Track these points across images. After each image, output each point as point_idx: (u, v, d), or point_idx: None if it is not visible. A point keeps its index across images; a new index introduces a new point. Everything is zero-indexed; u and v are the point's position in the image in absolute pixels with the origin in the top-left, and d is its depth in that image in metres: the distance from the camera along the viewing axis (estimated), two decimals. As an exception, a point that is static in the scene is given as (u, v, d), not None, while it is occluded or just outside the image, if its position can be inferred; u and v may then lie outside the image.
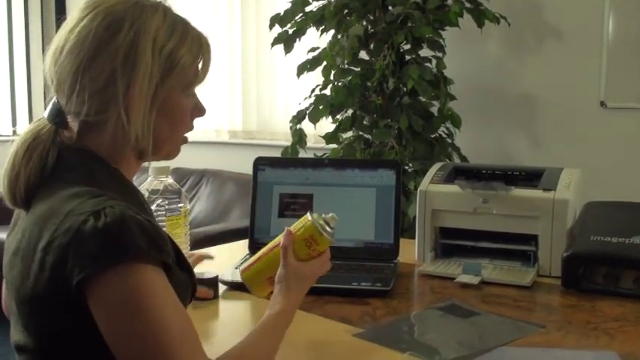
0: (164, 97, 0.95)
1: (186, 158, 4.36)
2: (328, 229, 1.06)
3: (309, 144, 3.03)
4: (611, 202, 1.64)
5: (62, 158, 0.94)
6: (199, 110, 1.03)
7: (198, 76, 1.00)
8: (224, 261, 1.57)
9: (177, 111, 0.98)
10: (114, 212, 0.83)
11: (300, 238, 1.05)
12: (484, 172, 1.72)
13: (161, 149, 0.99)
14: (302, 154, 2.97)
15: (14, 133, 4.45)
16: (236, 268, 1.38)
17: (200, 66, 1.00)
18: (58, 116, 0.95)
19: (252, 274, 1.09)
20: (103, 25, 0.92)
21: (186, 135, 1.04)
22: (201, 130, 4.18)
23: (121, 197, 0.89)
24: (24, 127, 4.37)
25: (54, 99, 0.97)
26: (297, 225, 1.07)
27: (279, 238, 1.07)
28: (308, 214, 1.07)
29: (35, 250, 0.86)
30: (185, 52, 0.96)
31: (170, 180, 1.43)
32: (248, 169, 1.73)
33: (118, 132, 0.92)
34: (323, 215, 1.07)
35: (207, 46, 1.01)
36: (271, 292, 1.05)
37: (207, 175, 3.99)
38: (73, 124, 0.95)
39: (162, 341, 0.81)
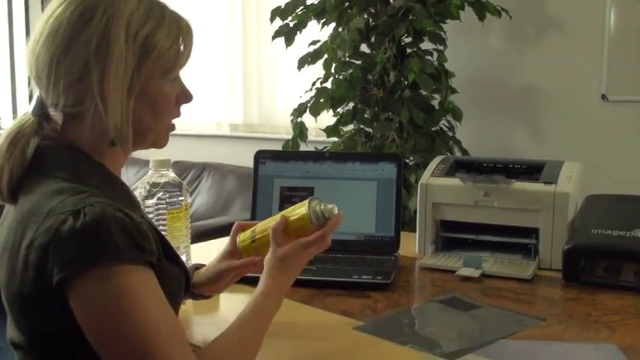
0: (143, 83, 0.93)
1: (187, 151, 4.37)
2: (323, 219, 1.06)
3: (310, 137, 3.03)
4: (612, 195, 1.64)
5: (46, 153, 0.93)
6: (186, 96, 1.01)
7: (179, 61, 0.97)
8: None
9: (160, 98, 0.96)
10: (93, 211, 0.82)
11: (293, 223, 1.06)
12: (485, 165, 1.72)
13: (146, 138, 0.98)
14: (303, 148, 2.97)
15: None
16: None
17: (180, 50, 0.97)
18: (39, 109, 0.95)
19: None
20: (75, 13, 0.90)
21: (174, 122, 1.02)
22: (201, 123, 4.18)
23: (105, 192, 0.88)
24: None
25: (38, 91, 0.96)
26: (294, 209, 1.08)
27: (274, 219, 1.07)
28: (307, 201, 1.07)
29: (19, 249, 0.86)
30: (162, 36, 0.93)
31: (171, 173, 1.43)
32: (249, 163, 1.73)
33: (96, 122, 0.91)
34: (322, 206, 1.06)
35: (188, 29, 0.98)
36: None
37: (208, 168, 3.99)
38: (56, 116, 0.94)
39: (147, 340, 0.81)
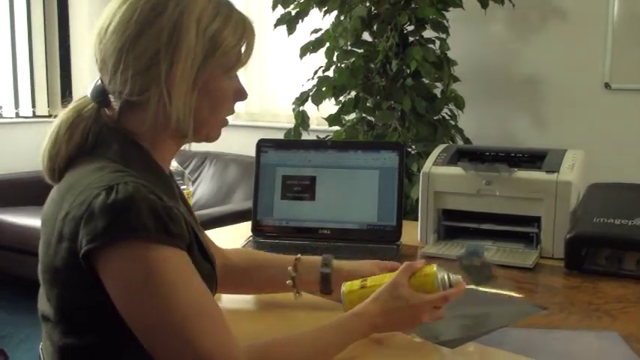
0: (206, 78, 0.94)
1: (189, 140, 4.31)
2: (447, 286, 1.02)
3: (311, 126, 3.03)
4: (614, 183, 1.64)
5: (99, 135, 0.95)
6: (240, 93, 1.02)
7: (241, 60, 0.99)
8: (228, 243, 1.58)
9: (219, 93, 0.98)
10: (126, 189, 0.84)
11: (417, 278, 1.03)
12: (487, 153, 1.72)
13: (200, 131, 0.99)
14: (305, 136, 2.97)
15: (17, 115, 4.45)
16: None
17: (243, 49, 0.99)
18: (100, 95, 0.97)
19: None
20: (148, 5, 0.92)
21: (228, 118, 1.03)
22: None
23: (146, 178, 0.89)
24: (26, 109, 4.30)
25: (98, 78, 0.98)
26: (421, 269, 1.04)
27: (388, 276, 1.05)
28: (435, 265, 1.04)
29: (56, 221, 0.88)
30: (228, 34, 0.95)
31: (174, 162, 1.43)
32: (251, 152, 1.73)
33: (160, 112, 0.93)
34: (449, 274, 1.03)
35: (251, 29, 1.00)
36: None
37: (210, 157, 3.99)
38: (115, 103, 0.96)
39: (172, 319, 0.82)
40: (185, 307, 0.82)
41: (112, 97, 0.96)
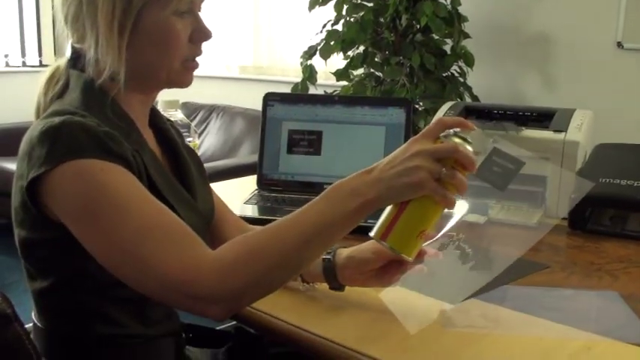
0: (138, 21, 0.90)
1: (196, 93, 4.36)
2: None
3: (319, 81, 3.01)
4: (621, 144, 1.63)
5: (70, 80, 0.95)
6: (201, 33, 0.96)
7: None
8: (233, 196, 1.58)
9: (163, 33, 0.92)
10: (62, 119, 0.84)
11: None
12: (495, 112, 1.71)
13: (157, 76, 0.95)
14: (312, 91, 2.95)
15: (23, 64, 4.43)
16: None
17: None
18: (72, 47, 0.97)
19: (397, 238, 0.91)
20: None
21: (196, 60, 0.98)
22: (211, 64, 4.15)
23: (98, 120, 0.88)
24: (32, 58, 4.27)
25: None
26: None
27: None
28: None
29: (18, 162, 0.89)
30: None
31: (180, 114, 1.43)
32: (257, 105, 1.72)
33: (94, 60, 0.91)
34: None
35: None
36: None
37: (217, 110, 3.98)
38: (82, 51, 0.95)
39: (122, 234, 0.80)
40: (138, 219, 0.80)
41: (77, 46, 0.96)
